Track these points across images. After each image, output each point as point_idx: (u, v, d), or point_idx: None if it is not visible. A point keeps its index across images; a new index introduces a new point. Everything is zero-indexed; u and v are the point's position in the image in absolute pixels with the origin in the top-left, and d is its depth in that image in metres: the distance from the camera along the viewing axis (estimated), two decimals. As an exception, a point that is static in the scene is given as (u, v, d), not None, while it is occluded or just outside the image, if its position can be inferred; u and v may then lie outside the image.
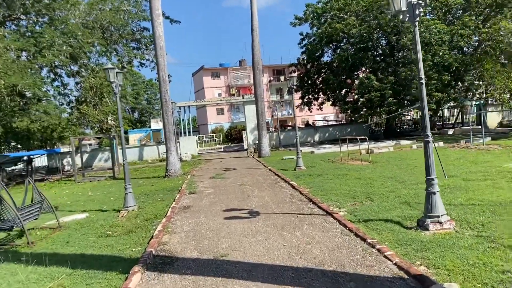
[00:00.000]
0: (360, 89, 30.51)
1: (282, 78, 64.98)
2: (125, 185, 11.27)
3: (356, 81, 35.18)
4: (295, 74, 16.77)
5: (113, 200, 13.58)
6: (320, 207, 8.48)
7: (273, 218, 7.94)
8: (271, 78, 65.37)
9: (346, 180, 12.17)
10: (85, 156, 31.76)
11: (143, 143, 38.93)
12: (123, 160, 11.39)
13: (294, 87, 16.82)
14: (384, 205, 8.23)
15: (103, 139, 46.30)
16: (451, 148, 19.45)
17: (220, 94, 61.60)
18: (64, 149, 38.18)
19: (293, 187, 11.70)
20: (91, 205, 13.06)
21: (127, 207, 11.07)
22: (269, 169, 17.45)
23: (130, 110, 78.20)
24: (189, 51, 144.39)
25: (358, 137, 17.55)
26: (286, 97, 62.49)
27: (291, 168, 17.23)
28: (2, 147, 23.11)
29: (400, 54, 31.32)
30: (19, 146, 31.67)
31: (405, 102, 30.80)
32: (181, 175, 19.06)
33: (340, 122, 52.94)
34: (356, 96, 35.21)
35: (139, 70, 52.59)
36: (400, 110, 32.93)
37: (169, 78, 32.91)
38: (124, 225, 9.22)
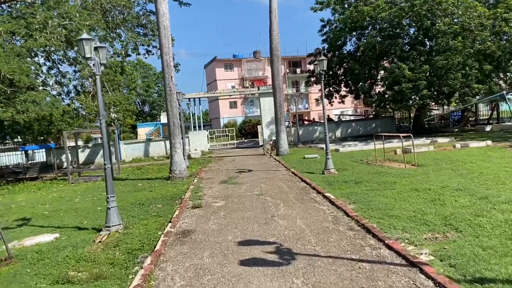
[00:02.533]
0: (389, 80, 27.28)
1: (298, 70, 61.86)
2: (107, 197, 8.49)
3: (382, 72, 32.02)
4: (325, 58, 13.77)
5: (100, 212, 10.85)
6: (388, 246, 5.52)
7: (320, 269, 4.97)
8: (287, 70, 62.18)
9: (399, 192, 9.18)
10: (87, 152, 29.34)
11: (151, 137, 36.38)
12: (104, 164, 8.57)
13: (323, 72, 13.82)
14: (487, 244, 5.28)
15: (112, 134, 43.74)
16: (509, 149, 16.28)
17: (233, 87, 58.61)
18: (70, 143, 35.74)
19: (332, 202, 8.73)
20: (71, 218, 10.33)
21: (109, 226, 8.28)
22: (292, 172, 14.51)
23: (140, 103, 75.96)
24: (201, 42, 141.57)
25: (401, 134, 14.47)
26: (303, 89, 59.31)
27: (318, 170, 14.29)
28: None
29: (433, 41, 27.95)
30: (16, 140, 29.29)
31: (440, 96, 27.56)
32: (187, 177, 16.26)
33: (363, 117, 49.68)
34: (382, 89, 32.06)
35: (146, 58, 49.67)
36: (433, 103, 29.75)
37: (177, 67, 30.27)
38: (96, 260, 6.42)
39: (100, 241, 7.64)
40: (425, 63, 26.10)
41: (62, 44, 20.81)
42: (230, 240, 6.60)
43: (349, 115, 51.72)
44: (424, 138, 25.00)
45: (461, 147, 18.74)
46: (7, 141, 26.55)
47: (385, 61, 31.51)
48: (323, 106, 14.25)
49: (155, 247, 6.61)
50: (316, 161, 17.82)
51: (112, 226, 8.30)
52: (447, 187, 9.37)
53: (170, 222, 8.16)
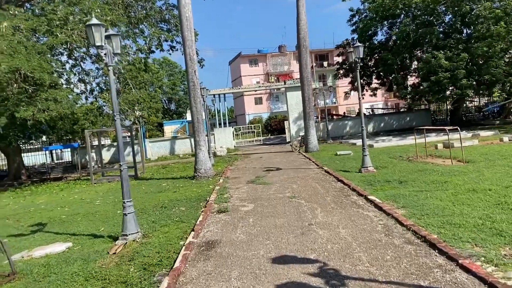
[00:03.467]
0: (424, 70, 25.66)
1: (325, 63, 60.29)
2: (124, 202, 7.62)
3: (415, 62, 30.37)
4: (360, 44, 12.53)
5: (119, 215, 9.99)
6: (463, 267, 4.37)
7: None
8: (314, 64, 60.64)
9: (454, 194, 7.95)
10: (112, 151, 28.97)
11: (176, 135, 35.89)
12: (120, 165, 7.70)
13: (359, 61, 12.62)
14: None
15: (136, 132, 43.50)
16: None
17: (258, 82, 57.60)
18: (102, 141, 35.36)
19: (378, 206, 7.57)
20: (88, 223, 9.55)
21: (126, 235, 7.42)
22: (325, 171, 13.36)
23: (166, 101, 76.02)
24: (226, 39, 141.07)
25: (447, 128, 13.10)
26: (330, 83, 57.70)
27: (354, 168, 13.12)
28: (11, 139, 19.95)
29: (471, 28, 26.09)
30: (43, 139, 29.16)
31: (481, 86, 25.74)
32: (212, 176, 15.37)
33: (394, 110, 47.78)
34: (417, 80, 30.42)
35: (170, 54, 49.57)
36: (473, 93, 27.86)
37: (201, 62, 29.48)
38: (107, 278, 5.54)
39: (114, 253, 6.78)
40: (463, 51, 24.36)
41: (83, 41, 20.28)
42: (262, 255, 5.56)
43: (381, 108, 49.87)
44: (465, 131, 23.32)
45: (509, 140, 17.17)
46: (33, 141, 26.34)
47: (419, 51, 29.85)
48: (359, 98, 13.07)
49: (175, 262, 5.66)
50: (350, 158, 16.61)
51: (129, 234, 7.43)
52: (510, 187, 8.08)
53: (193, 230, 7.20)
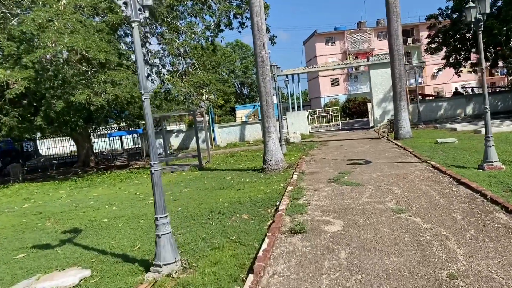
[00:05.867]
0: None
1: (409, 40, 54.69)
2: (156, 219, 5.36)
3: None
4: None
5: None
6: None
7: None
8: (396, 41, 55.38)
9: None
10: (181, 136, 27.70)
11: (247, 120, 33.89)
12: (151, 165, 5.43)
13: (483, 18, 9.24)
14: None
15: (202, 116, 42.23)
16: None
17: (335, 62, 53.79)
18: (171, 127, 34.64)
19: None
20: (126, 233, 7.55)
21: (159, 266, 5.17)
22: (432, 166, 10.19)
23: (239, 85, 74.74)
24: (300, 18, 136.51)
25: None
26: (415, 61, 52.23)
27: (470, 163, 9.90)
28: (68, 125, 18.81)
29: None
30: (114, 125, 28.57)
31: None
32: (283, 169, 12.84)
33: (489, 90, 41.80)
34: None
35: (239, 32, 47.27)
36: None
37: (273, 39, 26.79)
38: None
39: (137, 299, 4.53)
40: None
41: (146, 18, 18.61)
42: None
43: (475, 87, 43.94)
44: None
45: None
46: (101, 127, 25.61)
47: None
48: (482, 70, 9.71)
49: None
50: (456, 147, 13.18)
51: (163, 265, 5.16)
52: None
53: (252, 270, 4.68)
